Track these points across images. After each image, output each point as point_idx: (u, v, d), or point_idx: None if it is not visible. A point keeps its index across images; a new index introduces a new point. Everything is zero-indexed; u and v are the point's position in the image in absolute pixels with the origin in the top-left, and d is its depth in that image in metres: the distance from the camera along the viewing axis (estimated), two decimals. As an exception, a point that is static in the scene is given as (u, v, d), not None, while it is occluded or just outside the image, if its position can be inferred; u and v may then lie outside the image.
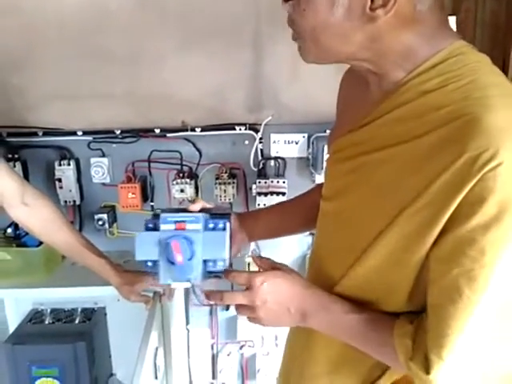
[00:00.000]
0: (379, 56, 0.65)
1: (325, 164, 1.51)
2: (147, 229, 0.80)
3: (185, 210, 0.85)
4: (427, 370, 0.63)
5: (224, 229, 0.78)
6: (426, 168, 0.60)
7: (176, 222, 0.76)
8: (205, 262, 0.76)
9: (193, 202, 0.86)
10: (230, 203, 1.65)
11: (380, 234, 0.66)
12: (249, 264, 1.64)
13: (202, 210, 0.85)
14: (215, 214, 0.84)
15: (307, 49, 0.68)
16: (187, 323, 1.78)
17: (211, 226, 0.78)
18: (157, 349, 1.40)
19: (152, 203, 1.67)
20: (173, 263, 0.75)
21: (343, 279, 0.74)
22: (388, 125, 0.67)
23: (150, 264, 0.78)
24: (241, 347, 1.81)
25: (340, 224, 0.77)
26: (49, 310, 1.60)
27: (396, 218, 0.64)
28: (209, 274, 0.78)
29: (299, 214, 1.01)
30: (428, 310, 0.65)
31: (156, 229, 0.78)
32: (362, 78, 0.72)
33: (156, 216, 0.81)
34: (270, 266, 0.75)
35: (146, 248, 0.77)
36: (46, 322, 1.57)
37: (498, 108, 0.56)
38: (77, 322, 1.58)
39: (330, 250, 0.80)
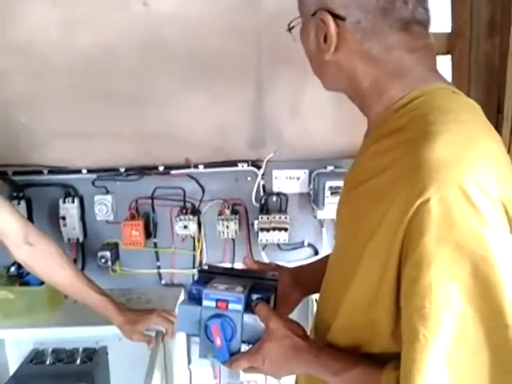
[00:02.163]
0: (354, 89, 0.72)
1: (326, 200, 1.55)
2: (190, 296, 0.81)
3: (232, 270, 0.92)
4: None
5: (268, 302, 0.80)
6: (382, 202, 0.62)
7: (218, 300, 0.77)
8: (243, 342, 0.78)
9: (245, 261, 0.91)
10: (233, 239, 1.66)
11: (355, 269, 0.67)
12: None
13: (249, 272, 0.89)
14: (262, 279, 0.86)
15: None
16: (189, 363, 1.75)
17: (254, 299, 0.79)
18: None
19: (155, 240, 1.67)
20: (212, 341, 0.77)
21: (334, 321, 0.75)
22: (368, 159, 0.70)
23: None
24: (244, 388, 1.78)
25: (333, 261, 0.80)
26: (50, 350, 1.57)
27: (363, 253, 0.65)
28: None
29: None
30: None
31: (199, 298, 0.79)
32: None
33: (202, 274, 0.86)
34: (268, 318, 0.76)
35: (187, 322, 0.80)
36: (47, 363, 1.54)
37: (441, 145, 0.57)
38: (78, 362, 1.55)
39: (325, 291, 0.82)
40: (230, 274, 0.87)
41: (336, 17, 0.66)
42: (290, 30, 0.76)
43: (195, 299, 0.80)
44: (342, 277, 0.73)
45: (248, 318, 0.77)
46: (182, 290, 1.69)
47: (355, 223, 0.70)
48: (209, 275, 0.86)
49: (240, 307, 0.77)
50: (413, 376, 0.58)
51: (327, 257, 1.07)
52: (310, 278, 0.96)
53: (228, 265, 1.68)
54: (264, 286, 0.83)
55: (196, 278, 0.87)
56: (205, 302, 0.78)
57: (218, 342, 0.76)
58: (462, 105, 0.66)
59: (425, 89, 0.66)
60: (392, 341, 0.67)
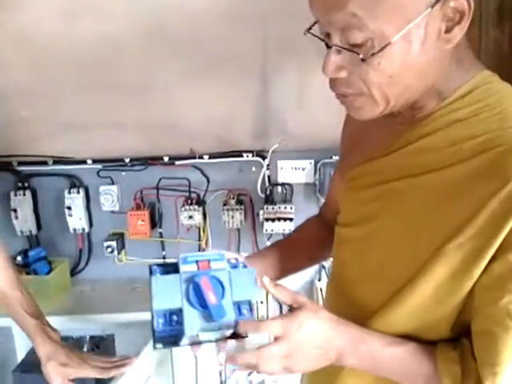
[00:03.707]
0: (424, 90, 0.63)
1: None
2: (160, 273, 0.69)
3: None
4: None
5: (246, 267, 0.70)
6: (465, 198, 0.60)
7: (197, 261, 0.67)
8: (234, 304, 0.67)
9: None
10: (238, 229, 1.66)
11: (423, 267, 0.64)
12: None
13: None
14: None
15: (373, 103, 0.63)
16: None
17: (234, 260, 0.71)
18: (149, 377, 1.37)
19: (160, 230, 1.68)
20: (202, 307, 0.65)
21: (381, 314, 0.70)
22: (415, 153, 0.66)
23: (162, 321, 0.65)
24: (249, 374, 1.80)
25: (369, 249, 0.75)
26: (57, 338, 1.60)
27: (439, 251, 0.62)
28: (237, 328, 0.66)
29: (306, 248, 0.98)
30: (474, 338, 0.63)
31: (170, 272, 0.68)
32: None
33: (152, 270, 0.70)
34: (291, 298, 0.69)
35: (166, 294, 0.65)
36: (55, 351, 1.56)
37: None
38: (85, 349, 1.57)
39: (360, 276, 0.76)
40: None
41: None
42: (365, 59, 0.58)
43: (167, 273, 0.68)
44: (395, 270, 0.68)
45: (236, 274, 0.68)
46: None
47: (415, 218, 0.66)
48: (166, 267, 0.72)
49: (224, 264, 0.68)
50: (504, 359, 0.59)
51: (278, 245, 1.01)
52: (264, 266, 0.90)
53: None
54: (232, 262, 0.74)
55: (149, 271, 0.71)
56: (183, 267, 0.66)
57: (212, 298, 0.64)
58: None
59: (478, 78, 0.64)
60: (448, 332, 0.66)
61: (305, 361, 0.67)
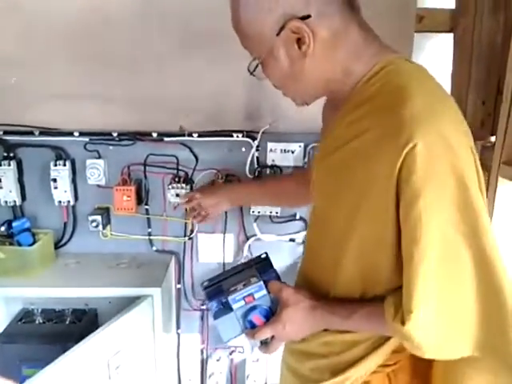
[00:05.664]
0: (329, 82, 0.81)
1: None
2: (216, 312, 0.94)
3: (228, 271, 1.03)
4: (403, 323, 0.72)
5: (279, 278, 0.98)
6: (369, 160, 0.73)
7: (244, 297, 0.92)
8: None
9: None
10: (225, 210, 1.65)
11: (352, 226, 0.78)
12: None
13: (243, 264, 1.03)
14: (258, 263, 1.01)
15: (293, 98, 0.89)
16: (178, 328, 1.78)
17: (268, 279, 0.95)
18: (118, 352, 1.37)
19: (146, 206, 1.66)
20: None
21: (337, 277, 0.86)
22: (344, 127, 0.80)
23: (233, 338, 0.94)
24: (231, 353, 1.82)
25: (320, 229, 0.90)
26: (39, 310, 1.60)
27: (360, 208, 0.76)
28: None
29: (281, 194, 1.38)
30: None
31: (226, 307, 0.93)
32: None
33: (208, 290, 0.99)
34: (280, 291, 0.91)
35: (228, 330, 0.93)
36: (37, 322, 1.56)
37: (418, 103, 0.68)
38: (67, 322, 1.57)
39: (316, 263, 0.94)
40: (231, 275, 1.01)
41: (302, 19, 0.72)
42: (252, 73, 0.84)
43: (222, 309, 0.94)
44: (336, 236, 0.83)
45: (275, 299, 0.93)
46: (173, 257, 1.70)
47: (341, 183, 0.80)
48: (215, 286, 0.99)
49: (264, 291, 0.92)
50: (413, 288, 0.71)
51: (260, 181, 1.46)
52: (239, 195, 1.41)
53: (219, 235, 1.69)
54: (264, 267, 0.99)
55: (205, 295, 0.99)
56: (235, 305, 0.92)
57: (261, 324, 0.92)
58: (421, 72, 0.77)
59: (386, 60, 0.76)
60: (394, 276, 0.78)
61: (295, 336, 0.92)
